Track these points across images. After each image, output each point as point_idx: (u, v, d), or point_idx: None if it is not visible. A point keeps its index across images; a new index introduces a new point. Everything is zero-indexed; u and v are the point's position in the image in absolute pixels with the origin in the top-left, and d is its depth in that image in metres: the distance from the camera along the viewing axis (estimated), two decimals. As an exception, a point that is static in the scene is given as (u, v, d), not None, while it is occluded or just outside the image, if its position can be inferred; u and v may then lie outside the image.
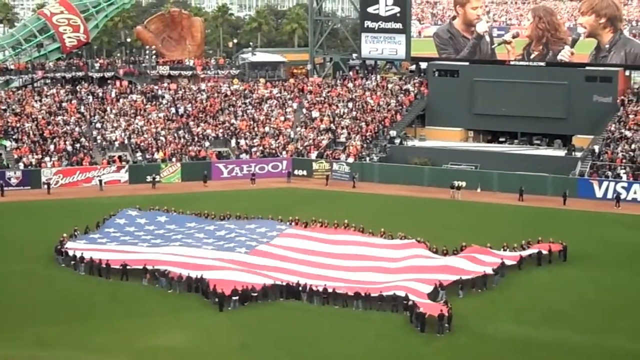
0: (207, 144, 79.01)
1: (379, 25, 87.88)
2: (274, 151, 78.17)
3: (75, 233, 54.63)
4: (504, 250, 51.15)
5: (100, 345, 39.52)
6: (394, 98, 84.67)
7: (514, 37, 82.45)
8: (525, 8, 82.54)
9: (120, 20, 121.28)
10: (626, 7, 78.93)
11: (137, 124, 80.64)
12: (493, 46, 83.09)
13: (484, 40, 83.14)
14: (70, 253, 50.72)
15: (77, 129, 78.75)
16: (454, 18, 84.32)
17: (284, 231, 55.59)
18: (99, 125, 80.00)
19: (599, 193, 68.09)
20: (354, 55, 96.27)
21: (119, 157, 75.74)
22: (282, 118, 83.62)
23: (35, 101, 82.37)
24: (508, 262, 49.36)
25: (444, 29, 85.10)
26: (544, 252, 50.96)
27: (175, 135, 79.70)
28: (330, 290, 44.76)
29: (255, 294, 44.88)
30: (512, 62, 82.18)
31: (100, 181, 72.38)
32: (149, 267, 47.83)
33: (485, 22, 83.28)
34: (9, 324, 42.00)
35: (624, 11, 78.67)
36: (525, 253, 50.81)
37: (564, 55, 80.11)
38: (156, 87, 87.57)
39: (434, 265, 49.10)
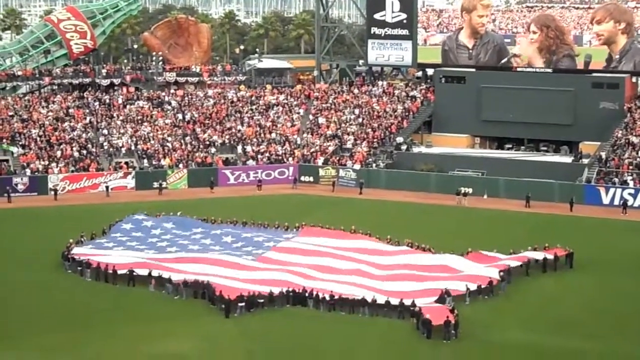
0: (213, 150, 79.04)
1: (386, 32, 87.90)
2: (280, 157, 78.17)
3: (82, 239, 54.64)
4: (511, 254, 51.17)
5: (106, 353, 39.40)
6: (400, 104, 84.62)
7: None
8: (531, 16, 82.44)
9: (127, 26, 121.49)
10: (640, 15, 79.01)
11: (143, 130, 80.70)
12: (502, 62, 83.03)
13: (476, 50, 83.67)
14: (77, 259, 50.72)
15: (84, 135, 78.87)
16: (461, 29, 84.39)
17: (291, 238, 55.54)
18: (105, 131, 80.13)
19: (605, 200, 67.90)
20: (361, 61, 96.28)
21: (126, 163, 75.79)
22: (289, 124, 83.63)
23: (42, 107, 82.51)
24: (514, 264, 49.27)
25: (451, 37, 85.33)
26: (549, 256, 50.69)
27: (182, 141, 79.74)
28: (336, 296, 44.73)
29: (262, 300, 44.82)
30: (518, 69, 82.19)
31: (107, 187, 72.42)
32: (155, 274, 47.81)
33: (469, 35, 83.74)
34: (14, 331, 41.90)
35: (638, 17, 78.66)
36: (531, 255, 50.61)
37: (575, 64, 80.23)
38: (163, 94, 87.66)
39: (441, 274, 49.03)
